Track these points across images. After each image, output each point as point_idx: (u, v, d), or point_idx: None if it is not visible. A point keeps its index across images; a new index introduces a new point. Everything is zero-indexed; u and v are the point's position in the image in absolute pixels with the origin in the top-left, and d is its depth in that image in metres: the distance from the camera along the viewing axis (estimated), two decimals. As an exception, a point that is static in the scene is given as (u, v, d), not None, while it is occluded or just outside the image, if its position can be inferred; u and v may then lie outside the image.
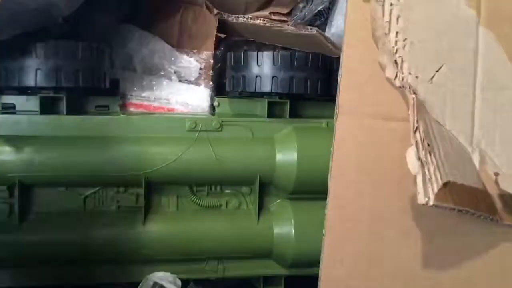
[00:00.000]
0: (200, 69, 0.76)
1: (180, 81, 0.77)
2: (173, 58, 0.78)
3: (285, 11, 0.78)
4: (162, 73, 0.78)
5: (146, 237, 0.68)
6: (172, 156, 0.66)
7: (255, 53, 0.69)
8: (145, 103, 0.77)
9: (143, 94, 0.78)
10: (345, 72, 0.59)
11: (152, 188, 0.69)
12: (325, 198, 0.61)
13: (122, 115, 0.69)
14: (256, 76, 0.68)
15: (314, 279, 0.67)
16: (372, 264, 0.60)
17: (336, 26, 0.72)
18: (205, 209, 0.71)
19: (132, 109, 0.77)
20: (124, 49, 0.79)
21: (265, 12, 0.78)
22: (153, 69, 0.78)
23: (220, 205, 0.72)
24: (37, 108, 0.65)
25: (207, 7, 0.73)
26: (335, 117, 0.58)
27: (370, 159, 0.60)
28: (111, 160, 0.66)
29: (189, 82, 0.77)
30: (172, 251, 0.68)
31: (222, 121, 0.69)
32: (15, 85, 0.64)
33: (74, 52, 0.64)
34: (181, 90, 0.77)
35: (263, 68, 0.68)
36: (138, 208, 0.69)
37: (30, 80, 0.63)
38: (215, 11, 0.73)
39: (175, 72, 0.77)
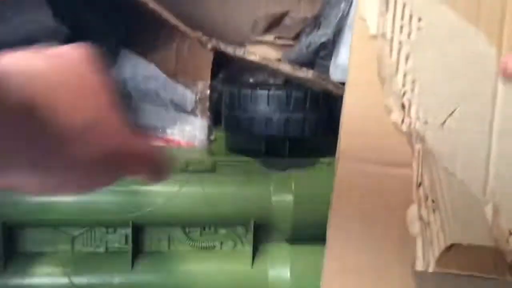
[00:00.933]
0: (196, 100, 0.72)
1: (175, 110, 0.73)
2: (168, 87, 0.73)
3: (291, 35, 0.72)
4: (157, 100, 0.74)
5: (133, 282, 0.64)
6: (161, 199, 0.63)
7: (249, 92, 0.64)
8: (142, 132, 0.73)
9: (139, 123, 0.73)
10: (347, 116, 0.55)
11: (141, 229, 0.66)
12: (324, 242, 0.58)
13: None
14: (250, 118, 0.63)
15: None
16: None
17: (341, 58, 0.66)
18: (198, 250, 0.67)
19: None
20: (118, 75, 0.75)
21: (270, 37, 0.72)
22: (147, 96, 0.74)
23: (214, 246, 0.68)
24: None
25: (200, 42, 0.68)
26: (335, 163, 0.54)
27: (372, 210, 0.55)
28: (97, 201, 0.63)
29: (185, 111, 0.73)
30: (162, 296, 0.65)
31: (215, 161, 0.64)
32: None
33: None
34: (178, 120, 0.73)
35: (257, 109, 0.63)
36: (127, 250, 0.65)
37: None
38: (210, 45, 0.68)
39: (170, 101, 0.73)
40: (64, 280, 0.64)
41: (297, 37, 0.73)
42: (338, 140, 0.53)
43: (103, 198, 0.63)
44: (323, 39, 0.64)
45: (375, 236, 0.54)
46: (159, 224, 0.65)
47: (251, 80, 0.74)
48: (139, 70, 0.74)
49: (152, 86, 0.74)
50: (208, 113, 0.72)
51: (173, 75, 0.74)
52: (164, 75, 0.73)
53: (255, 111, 0.63)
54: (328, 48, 0.66)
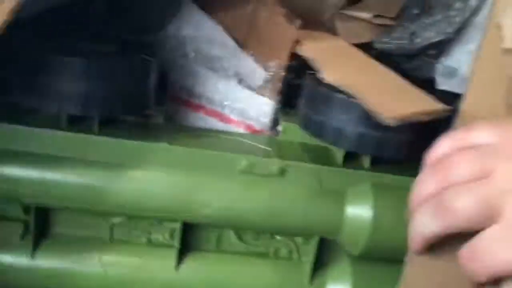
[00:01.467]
0: (267, 79, 0.61)
1: (240, 85, 0.62)
2: (235, 57, 0.62)
3: (392, 14, 0.59)
4: (220, 69, 0.63)
5: (178, 282, 0.58)
6: (218, 202, 0.54)
7: (340, 97, 0.53)
8: (196, 101, 0.63)
9: (195, 90, 0.63)
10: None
11: (190, 226, 0.58)
12: (394, 267, 0.50)
13: (164, 145, 0.55)
14: (321, 122, 0.53)
15: None
16: None
17: (453, 61, 0.54)
18: (249, 254, 0.60)
19: (179, 106, 0.63)
20: (177, 32, 0.63)
21: (369, 14, 0.60)
22: (209, 62, 0.63)
23: (268, 253, 0.60)
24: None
25: (287, 16, 0.55)
26: None
27: None
28: (147, 194, 0.54)
29: (250, 89, 0.62)
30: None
31: (284, 166, 0.55)
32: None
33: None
34: (240, 97, 0.62)
35: (330, 114, 0.53)
36: (172, 246, 0.58)
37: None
38: (297, 22, 0.56)
39: (235, 74, 0.62)
40: (98, 269, 0.57)
41: (398, 17, 0.60)
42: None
43: (150, 190, 0.54)
44: (441, 37, 0.51)
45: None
46: (211, 225, 0.58)
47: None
48: (204, 30, 0.62)
49: (216, 52, 0.63)
50: (279, 98, 0.62)
51: (243, 45, 0.62)
52: (232, 42, 0.62)
53: (328, 116, 0.53)
54: (440, 47, 0.54)
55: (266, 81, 0.61)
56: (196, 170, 0.55)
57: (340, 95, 0.52)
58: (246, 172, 0.55)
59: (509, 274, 0.32)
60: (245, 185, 0.55)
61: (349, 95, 0.51)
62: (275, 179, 0.55)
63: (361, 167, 0.57)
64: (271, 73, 0.60)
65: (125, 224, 0.59)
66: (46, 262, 0.57)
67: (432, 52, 0.56)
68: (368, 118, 0.50)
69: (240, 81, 0.62)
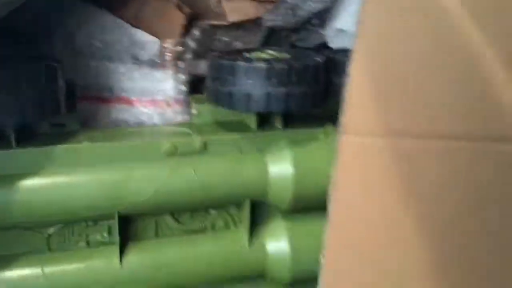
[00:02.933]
0: (164, 53, 0.63)
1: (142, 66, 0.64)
2: (128, 36, 0.64)
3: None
4: (116, 56, 0.64)
5: (124, 276, 0.59)
6: (149, 188, 0.56)
7: (243, 65, 0.57)
8: (102, 95, 0.64)
9: (98, 85, 0.65)
10: (353, 86, 0.50)
11: (126, 218, 0.59)
12: (322, 213, 0.55)
13: (86, 144, 0.56)
14: (246, 94, 0.57)
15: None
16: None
17: (341, 23, 0.60)
18: (188, 234, 0.63)
19: (90, 105, 0.64)
20: (71, 30, 0.64)
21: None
22: (105, 51, 0.65)
23: (205, 228, 0.63)
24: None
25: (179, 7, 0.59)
26: (338, 137, 0.50)
27: (378, 183, 0.53)
28: (78, 197, 0.55)
29: (150, 67, 0.64)
30: (156, 285, 0.61)
31: (205, 141, 0.59)
32: None
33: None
34: (140, 77, 0.64)
35: (253, 83, 0.57)
36: (112, 243, 0.59)
37: None
38: (187, 10, 0.59)
39: (132, 56, 0.64)
40: (43, 282, 0.57)
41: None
42: (342, 113, 0.49)
43: (82, 192, 0.55)
44: (320, 7, 0.57)
45: (379, 211, 0.53)
46: (146, 213, 0.59)
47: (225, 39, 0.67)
48: (94, 21, 0.64)
49: (109, 38, 0.64)
50: (185, 79, 0.65)
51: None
52: (123, 23, 0.63)
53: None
54: (323, 16, 0.60)
55: (165, 56, 0.63)
56: (123, 162, 0.56)
57: (243, 63, 0.57)
58: (170, 153, 0.58)
59: None
60: (172, 166, 0.58)
61: (250, 62, 0.56)
62: (198, 155, 0.59)
63: (275, 128, 0.62)
64: (170, 46, 0.63)
65: (60, 233, 0.59)
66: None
67: (316, 21, 0.62)
68: (271, 78, 0.55)
69: (137, 61, 0.64)
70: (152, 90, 0.66)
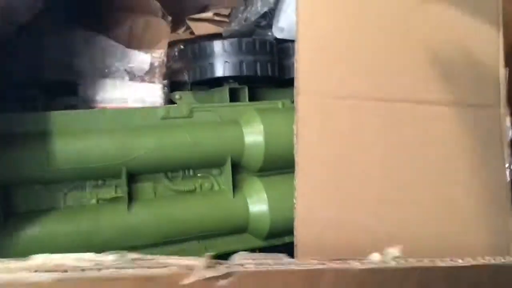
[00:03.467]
0: (153, 65, 0.80)
1: (134, 79, 0.80)
2: (123, 56, 0.80)
3: (226, 12, 0.86)
4: (114, 72, 0.80)
5: (132, 223, 0.69)
6: (150, 144, 0.70)
7: (207, 43, 0.75)
8: (102, 105, 0.79)
9: (98, 98, 0.79)
10: (301, 53, 0.67)
11: (130, 179, 0.71)
12: (291, 172, 0.69)
13: (97, 109, 0.70)
14: (211, 63, 0.74)
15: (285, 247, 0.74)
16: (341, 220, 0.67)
17: (282, 22, 0.81)
18: (181, 194, 0.75)
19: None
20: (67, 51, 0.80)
21: (209, 14, 0.85)
22: (103, 70, 0.81)
23: (195, 189, 0.76)
24: None
25: (163, 15, 0.78)
26: (295, 97, 0.66)
27: (327, 131, 0.68)
28: (91, 152, 0.67)
29: (142, 80, 0.81)
30: (156, 235, 0.71)
31: (191, 108, 0.74)
32: None
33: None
34: (135, 88, 0.80)
35: (215, 55, 0.75)
36: (119, 199, 0.70)
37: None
38: (169, 18, 0.78)
39: (126, 72, 0.80)
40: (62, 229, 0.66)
41: (230, 14, 0.87)
42: (295, 77, 0.66)
43: (94, 148, 0.67)
44: (265, 9, 0.78)
45: (335, 154, 0.67)
46: (147, 169, 0.72)
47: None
48: (91, 44, 0.80)
49: (107, 58, 0.81)
50: (165, 80, 0.81)
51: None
52: (118, 45, 0.80)
53: (214, 57, 0.75)
54: (267, 18, 0.81)
55: (154, 67, 0.80)
56: (128, 124, 0.70)
57: (220, 40, 0.75)
58: (165, 117, 0.72)
59: None
60: (167, 126, 0.72)
61: (224, 38, 0.75)
62: (187, 119, 0.74)
63: (244, 100, 0.78)
64: (156, 61, 0.80)
65: (75, 191, 0.69)
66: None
67: (264, 23, 0.82)
68: (242, 48, 0.73)
69: (133, 76, 0.81)
70: (145, 99, 0.82)
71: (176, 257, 0.41)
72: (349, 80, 0.69)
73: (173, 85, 0.83)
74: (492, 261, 0.50)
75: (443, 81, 0.69)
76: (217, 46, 0.75)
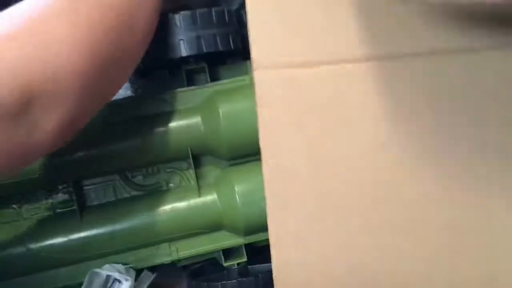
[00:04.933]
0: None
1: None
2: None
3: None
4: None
5: (85, 235, 0.65)
6: (98, 147, 0.64)
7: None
8: None
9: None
10: (253, 22, 0.55)
11: (82, 183, 0.66)
12: (256, 157, 0.61)
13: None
14: (161, 43, 0.65)
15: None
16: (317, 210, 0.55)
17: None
18: (144, 193, 0.68)
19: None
20: None
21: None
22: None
23: (160, 186, 0.69)
24: None
25: None
26: (253, 73, 0.54)
27: (296, 111, 0.55)
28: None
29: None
30: (117, 243, 0.66)
31: (139, 99, 0.66)
32: None
33: None
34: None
35: (171, 33, 0.65)
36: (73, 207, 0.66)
37: None
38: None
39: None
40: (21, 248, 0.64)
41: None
42: (251, 51, 0.54)
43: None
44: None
45: (305, 136, 0.55)
46: (101, 174, 0.66)
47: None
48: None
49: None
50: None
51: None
52: None
53: (170, 36, 0.65)
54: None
55: None
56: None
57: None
58: (107, 116, 0.65)
59: None
60: (110, 128, 0.65)
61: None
62: (134, 115, 0.66)
63: (204, 81, 0.68)
64: None
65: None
66: None
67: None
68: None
69: None
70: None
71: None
72: (320, 40, 0.54)
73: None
74: None
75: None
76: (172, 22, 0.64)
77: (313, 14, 0.51)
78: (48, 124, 0.42)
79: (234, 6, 0.74)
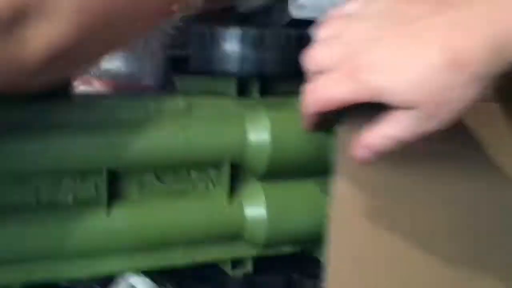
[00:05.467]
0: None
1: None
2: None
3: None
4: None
5: (111, 228, 0.62)
6: (137, 141, 0.61)
7: (221, 30, 0.64)
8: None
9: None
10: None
11: (112, 176, 0.63)
12: (297, 179, 0.64)
13: (78, 100, 0.61)
14: (223, 55, 0.63)
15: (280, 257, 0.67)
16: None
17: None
18: (170, 195, 0.66)
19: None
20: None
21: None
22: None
23: (187, 189, 0.67)
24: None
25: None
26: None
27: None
28: (68, 150, 0.59)
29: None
30: (139, 241, 0.64)
31: (190, 103, 0.64)
32: None
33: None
34: (128, 62, 0.70)
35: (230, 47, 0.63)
36: (98, 198, 0.62)
37: None
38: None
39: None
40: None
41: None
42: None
43: (72, 145, 0.59)
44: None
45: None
46: (133, 170, 0.63)
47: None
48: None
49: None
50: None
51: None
52: None
53: (229, 48, 0.63)
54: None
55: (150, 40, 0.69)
56: (114, 117, 0.61)
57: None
58: (157, 110, 0.62)
59: (332, 108, 0.46)
60: (158, 122, 0.62)
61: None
62: (183, 114, 0.64)
63: (253, 96, 0.68)
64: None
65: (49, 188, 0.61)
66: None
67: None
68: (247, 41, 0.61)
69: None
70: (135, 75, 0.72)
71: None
72: None
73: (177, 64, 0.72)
74: None
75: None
76: (233, 36, 0.63)
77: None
78: (37, 40, 0.43)
79: (282, 22, 0.74)
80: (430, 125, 0.42)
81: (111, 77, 0.70)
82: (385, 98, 0.42)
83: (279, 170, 0.67)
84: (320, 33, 0.49)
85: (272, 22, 0.75)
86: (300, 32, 0.67)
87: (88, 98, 0.61)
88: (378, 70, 0.41)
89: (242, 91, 0.67)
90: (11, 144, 0.56)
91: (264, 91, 0.68)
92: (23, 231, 0.60)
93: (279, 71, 0.65)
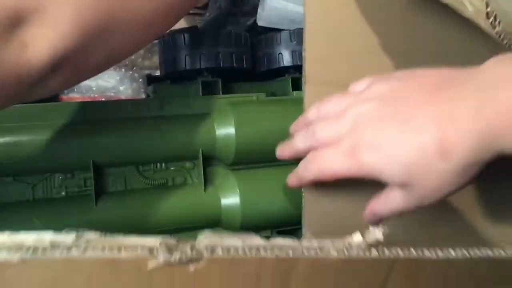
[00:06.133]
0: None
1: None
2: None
3: (202, 3, 0.85)
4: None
5: (99, 217, 0.68)
6: (119, 138, 0.69)
7: (181, 35, 0.75)
8: (77, 96, 0.78)
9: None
10: (309, 44, 0.63)
11: (98, 172, 0.70)
12: (265, 167, 0.68)
13: (63, 102, 0.69)
14: (185, 56, 0.74)
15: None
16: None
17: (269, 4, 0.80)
18: (152, 187, 0.74)
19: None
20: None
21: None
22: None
23: (167, 182, 0.75)
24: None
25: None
26: (303, 86, 0.63)
27: None
28: (59, 147, 0.66)
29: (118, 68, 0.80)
30: (125, 230, 0.69)
31: (163, 101, 0.73)
32: None
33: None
34: (112, 78, 0.79)
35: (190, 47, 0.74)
36: (87, 192, 0.69)
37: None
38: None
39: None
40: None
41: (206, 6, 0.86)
42: (303, 65, 0.62)
43: (62, 143, 0.66)
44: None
45: None
46: (116, 164, 0.71)
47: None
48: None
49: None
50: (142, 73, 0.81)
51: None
52: None
53: (189, 49, 0.74)
54: (238, 4, 0.80)
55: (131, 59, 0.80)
56: (96, 118, 0.70)
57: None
58: (135, 110, 0.71)
59: (328, 179, 0.49)
60: (137, 121, 0.71)
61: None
62: (157, 113, 0.73)
63: (216, 93, 0.78)
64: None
65: (43, 184, 0.68)
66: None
67: (235, 10, 0.82)
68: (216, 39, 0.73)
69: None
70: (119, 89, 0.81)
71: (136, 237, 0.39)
72: (361, 68, 0.62)
73: (150, 79, 0.82)
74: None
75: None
76: (192, 38, 0.74)
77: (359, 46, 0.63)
78: (39, 44, 0.41)
79: (242, 29, 0.86)
80: (423, 202, 0.44)
81: (91, 93, 0.78)
82: (380, 177, 0.45)
83: (246, 158, 0.75)
84: (327, 108, 0.53)
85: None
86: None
87: (75, 103, 0.69)
88: (375, 151, 0.43)
89: (206, 92, 0.77)
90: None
91: (225, 92, 0.78)
92: (21, 226, 0.65)
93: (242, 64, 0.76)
